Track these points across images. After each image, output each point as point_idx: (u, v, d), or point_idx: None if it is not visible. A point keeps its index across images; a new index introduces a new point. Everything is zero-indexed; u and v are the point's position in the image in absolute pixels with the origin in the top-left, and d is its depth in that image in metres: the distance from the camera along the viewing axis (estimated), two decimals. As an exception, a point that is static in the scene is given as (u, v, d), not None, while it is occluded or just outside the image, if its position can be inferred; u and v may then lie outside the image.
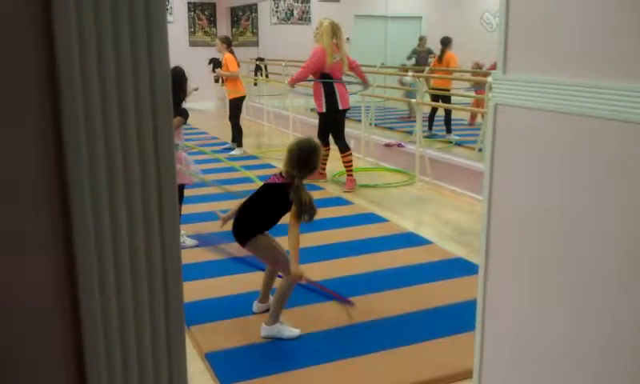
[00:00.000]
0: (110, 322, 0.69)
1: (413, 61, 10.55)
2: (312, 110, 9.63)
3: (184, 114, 4.17)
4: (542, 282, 1.74)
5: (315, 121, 8.63)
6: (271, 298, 3.24)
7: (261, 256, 3.04)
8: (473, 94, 8.85)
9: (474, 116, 9.37)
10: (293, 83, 6.36)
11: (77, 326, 0.70)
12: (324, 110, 6.10)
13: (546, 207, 1.70)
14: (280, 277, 3.23)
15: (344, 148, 6.19)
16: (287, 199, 2.89)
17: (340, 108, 6.06)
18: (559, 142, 1.64)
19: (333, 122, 6.15)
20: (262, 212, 3.01)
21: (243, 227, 3.01)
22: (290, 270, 2.96)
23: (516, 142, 1.79)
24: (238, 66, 8.18)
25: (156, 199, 0.68)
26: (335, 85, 6.01)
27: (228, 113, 8.35)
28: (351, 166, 6.24)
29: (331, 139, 6.30)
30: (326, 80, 6.00)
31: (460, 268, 3.98)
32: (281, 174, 3.00)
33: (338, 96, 6.03)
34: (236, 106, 8.16)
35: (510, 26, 1.76)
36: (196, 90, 4.63)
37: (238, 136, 8.12)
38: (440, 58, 9.15)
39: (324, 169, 6.48)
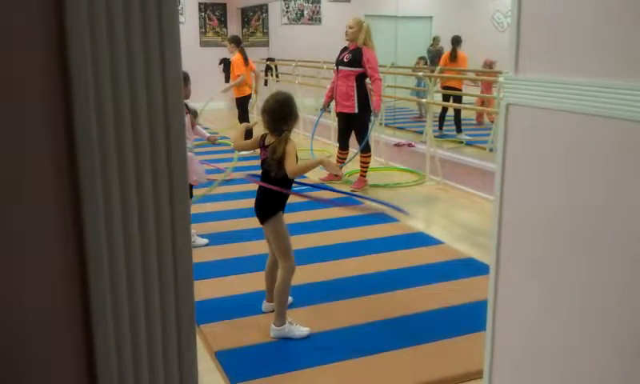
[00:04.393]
0: (121, 321, 0.70)
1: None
2: (322, 109, 9.62)
3: (193, 113, 4.25)
4: (552, 283, 1.73)
5: (327, 121, 8.65)
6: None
7: (274, 239, 3.05)
8: (482, 93, 8.80)
9: (480, 115, 9.32)
10: (380, 102, 6.19)
11: (88, 326, 0.70)
12: (356, 110, 6.04)
13: (558, 207, 1.69)
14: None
15: (366, 149, 6.16)
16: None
17: (372, 109, 6.04)
18: (571, 142, 1.63)
19: (362, 123, 6.10)
20: (278, 179, 3.03)
21: (262, 204, 3.05)
22: (288, 266, 3.02)
23: (527, 141, 1.78)
24: (247, 63, 8.11)
25: (167, 199, 0.68)
26: (369, 86, 6.00)
27: (238, 114, 8.32)
28: (367, 167, 6.23)
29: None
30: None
31: (471, 268, 3.97)
32: (263, 142, 3.04)
33: (370, 97, 6.02)
34: (243, 105, 8.13)
35: (522, 26, 1.75)
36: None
37: (247, 136, 8.08)
38: (453, 57, 9.09)
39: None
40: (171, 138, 0.67)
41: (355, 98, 5.97)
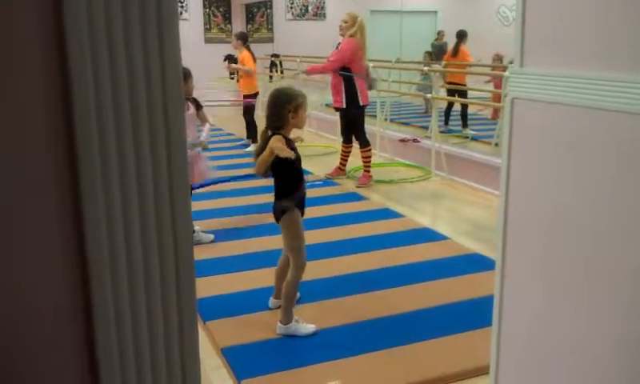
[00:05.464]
0: (123, 319, 0.69)
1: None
2: (327, 105, 9.64)
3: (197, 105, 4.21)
4: (558, 278, 1.72)
5: (330, 116, 8.64)
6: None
7: (287, 237, 3.03)
8: (491, 88, 8.72)
9: (496, 110, 9.26)
10: (310, 73, 6.25)
11: (90, 325, 0.70)
12: (344, 105, 6.06)
13: (563, 203, 1.68)
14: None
15: (364, 143, 6.15)
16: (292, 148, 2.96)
17: (360, 104, 6.01)
18: (577, 137, 1.62)
19: (353, 117, 6.11)
20: (283, 174, 3.01)
21: (278, 201, 3.03)
22: (299, 265, 3.00)
23: (533, 136, 1.77)
24: (255, 61, 8.14)
25: (167, 197, 0.68)
26: (356, 80, 5.97)
27: (242, 109, 8.34)
28: (369, 161, 6.20)
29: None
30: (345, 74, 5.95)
31: (477, 263, 3.96)
32: (281, 135, 2.98)
33: (358, 92, 5.98)
34: (249, 102, 8.15)
35: (527, 19, 1.74)
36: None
37: (252, 132, 8.11)
38: (455, 52, 9.06)
39: (344, 165, 6.46)
40: (172, 135, 0.66)
41: (343, 92, 5.98)
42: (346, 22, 5.97)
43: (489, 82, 8.92)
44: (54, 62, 0.63)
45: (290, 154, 2.90)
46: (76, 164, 0.64)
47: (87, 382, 0.71)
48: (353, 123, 6.13)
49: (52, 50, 0.63)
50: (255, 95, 8.21)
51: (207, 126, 4.38)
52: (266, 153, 2.90)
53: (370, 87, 6.47)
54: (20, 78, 0.63)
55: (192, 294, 0.72)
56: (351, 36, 5.92)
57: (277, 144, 2.88)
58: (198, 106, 4.27)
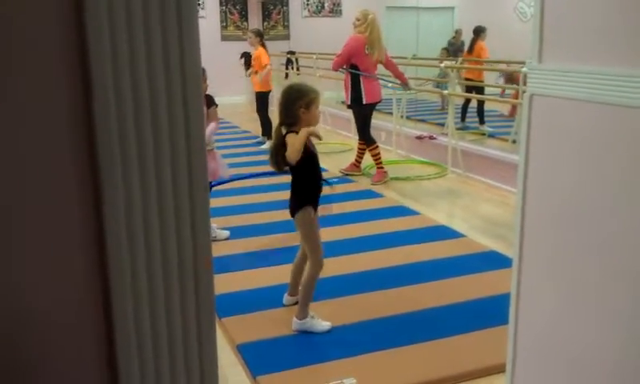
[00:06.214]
0: (142, 317, 0.70)
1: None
2: (342, 102, 9.62)
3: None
4: (575, 277, 1.70)
5: (345, 114, 8.63)
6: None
7: (303, 234, 3.03)
8: (509, 84, 8.65)
9: (514, 107, 9.18)
10: (335, 69, 6.21)
11: (109, 321, 0.70)
12: (349, 102, 6.07)
13: (582, 201, 1.66)
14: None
15: (369, 141, 6.11)
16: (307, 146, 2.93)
17: (364, 102, 5.92)
18: (596, 133, 1.60)
19: (356, 115, 6.11)
20: (298, 172, 3.00)
21: (291, 198, 3.03)
22: (316, 261, 2.99)
23: (552, 133, 1.75)
24: (269, 58, 8.18)
25: (187, 193, 0.68)
26: (362, 78, 5.92)
27: (256, 106, 8.37)
28: (379, 158, 6.15)
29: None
30: (354, 71, 5.93)
31: (493, 261, 3.93)
32: (291, 131, 2.94)
33: (362, 89, 5.90)
34: (263, 99, 8.18)
35: (546, 15, 1.72)
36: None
37: (267, 129, 8.13)
38: (471, 48, 9.01)
39: (359, 162, 6.45)
40: (191, 132, 0.67)
41: (349, 89, 5.97)
42: (358, 20, 5.96)
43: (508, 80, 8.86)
44: (74, 62, 0.64)
45: (319, 134, 2.93)
46: (96, 161, 0.65)
47: (105, 377, 0.72)
48: (357, 120, 6.12)
49: (72, 49, 0.63)
50: (269, 92, 8.24)
51: (212, 125, 4.19)
52: (297, 141, 2.84)
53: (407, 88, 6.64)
54: (43, 78, 0.64)
55: (210, 287, 0.72)
56: (359, 33, 5.90)
57: (305, 130, 2.86)
58: (210, 104, 4.21)
